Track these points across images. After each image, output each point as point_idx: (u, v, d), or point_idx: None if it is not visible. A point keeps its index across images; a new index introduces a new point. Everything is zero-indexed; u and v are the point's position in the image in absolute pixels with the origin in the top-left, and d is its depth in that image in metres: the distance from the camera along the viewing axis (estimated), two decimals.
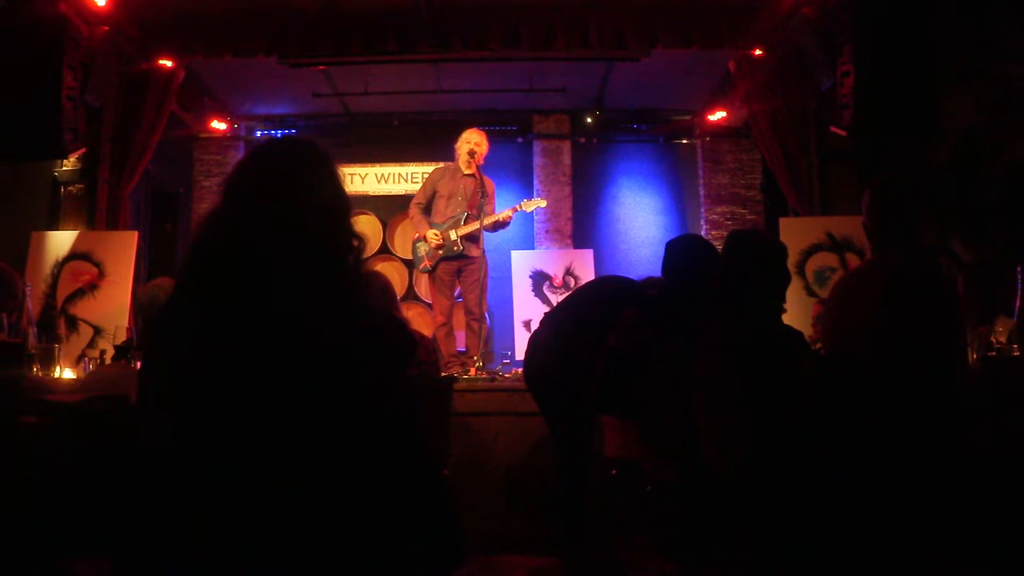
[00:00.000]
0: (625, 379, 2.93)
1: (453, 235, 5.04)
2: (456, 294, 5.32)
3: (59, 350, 3.64)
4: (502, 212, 5.10)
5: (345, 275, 1.42)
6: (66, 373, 3.63)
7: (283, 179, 1.43)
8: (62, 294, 4.96)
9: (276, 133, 7.19)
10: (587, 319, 3.17)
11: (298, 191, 1.41)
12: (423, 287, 6.74)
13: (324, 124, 7.22)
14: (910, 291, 2.32)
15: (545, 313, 3.59)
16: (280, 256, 1.35)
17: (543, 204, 5.53)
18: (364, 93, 6.45)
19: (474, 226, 4.96)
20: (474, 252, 4.97)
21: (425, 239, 5.11)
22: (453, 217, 5.09)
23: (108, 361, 3.72)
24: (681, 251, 3.16)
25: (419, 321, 6.40)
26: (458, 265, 5.12)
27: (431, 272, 5.19)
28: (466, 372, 4.82)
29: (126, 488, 1.33)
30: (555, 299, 5.89)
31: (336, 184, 1.48)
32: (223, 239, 1.39)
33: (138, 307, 3.55)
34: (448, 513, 1.45)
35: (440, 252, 5.07)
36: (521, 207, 5.22)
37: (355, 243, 1.44)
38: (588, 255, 6.19)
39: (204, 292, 1.36)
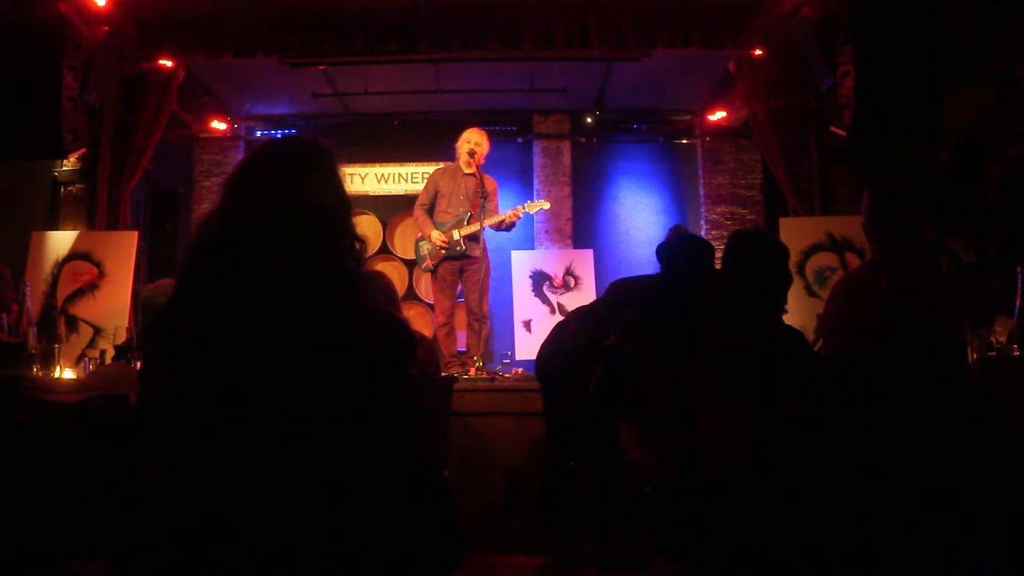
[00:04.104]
0: (625, 379, 2.94)
1: (456, 235, 5.05)
2: (458, 293, 5.33)
3: (59, 350, 3.63)
4: (505, 213, 5.09)
5: (346, 275, 1.42)
6: (66, 373, 3.62)
7: (284, 179, 1.43)
8: (62, 294, 4.95)
9: (276, 133, 7.20)
10: (598, 322, 3.19)
11: (299, 191, 1.41)
12: (423, 287, 6.74)
13: (324, 124, 7.23)
14: (910, 291, 2.31)
15: (579, 307, 3.62)
16: (280, 256, 1.35)
17: (546, 206, 5.53)
18: (364, 93, 6.46)
19: (476, 226, 4.96)
20: (476, 252, 4.97)
21: (429, 239, 5.11)
22: (456, 217, 5.09)
23: (108, 361, 3.72)
24: (676, 249, 3.17)
25: (419, 321, 6.41)
26: (460, 265, 5.12)
27: (433, 271, 5.19)
28: (466, 372, 4.82)
29: (126, 488, 1.33)
30: (555, 299, 5.90)
31: (337, 184, 1.48)
32: (223, 239, 1.39)
33: (141, 307, 3.55)
34: (448, 513, 1.45)
35: (443, 252, 5.08)
36: (525, 208, 5.21)
37: (356, 244, 1.44)
38: (588, 255, 6.19)
39: (204, 292, 1.36)
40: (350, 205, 1.49)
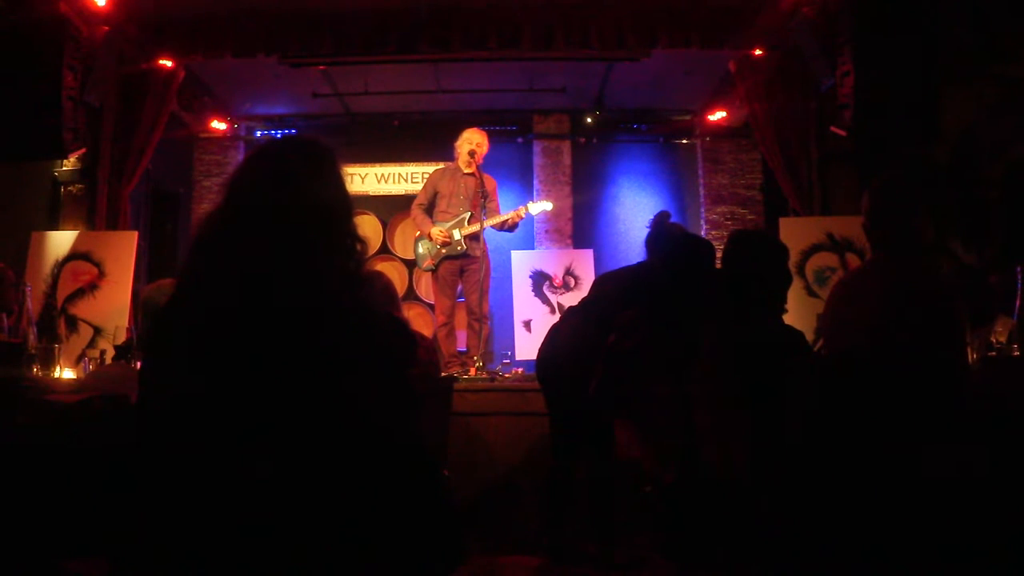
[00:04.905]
0: (625, 379, 2.93)
1: (457, 234, 5.05)
2: (458, 293, 5.33)
3: (59, 350, 3.63)
4: (508, 214, 5.10)
5: (346, 275, 1.41)
6: (66, 373, 3.62)
7: (284, 179, 1.42)
8: (62, 294, 4.96)
9: (276, 133, 7.20)
10: (594, 321, 3.17)
11: (299, 192, 1.41)
12: (423, 287, 6.75)
13: (324, 124, 7.22)
14: (910, 292, 2.31)
15: (570, 307, 3.60)
16: (280, 256, 1.34)
17: (549, 207, 5.53)
18: (364, 93, 6.46)
19: (477, 226, 4.97)
20: (477, 251, 4.98)
21: (429, 237, 5.12)
22: (457, 217, 5.10)
23: (108, 361, 3.72)
24: (661, 239, 3.16)
25: (419, 321, 6.41)
26: (461, 264, 5.12)
27: (434, 271, 5.19)
28: (466, 372, 4.82)
29: (126, 488, 1.33)
30: (555, 299, 5.90)
31: (338, 185, 1.48)
32: (223, 239, 1.39)
33: (141, 307, 3.56)
34: (448, 513, 1.45)
35: (444, 251, 5.08)
36: (527, 209, 5.23)
37: (357, 246, 1.44)
38: (588, 255, 6.19)
39: (204, 292, 1.36)
40: (351, 205, 1.49)
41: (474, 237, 5.01)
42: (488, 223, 5.00)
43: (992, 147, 4.61)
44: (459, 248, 5.06)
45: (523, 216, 5.15)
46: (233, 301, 1.32)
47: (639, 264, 3.24)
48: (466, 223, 5.06)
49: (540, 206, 5.37)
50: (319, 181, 1.45)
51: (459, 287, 5.25)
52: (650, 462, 2.86)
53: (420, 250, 5.25)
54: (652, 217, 3.27)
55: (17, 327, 3.68)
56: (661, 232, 3.19)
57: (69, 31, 4.60)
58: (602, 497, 3.17)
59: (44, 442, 2.34)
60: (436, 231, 5.07)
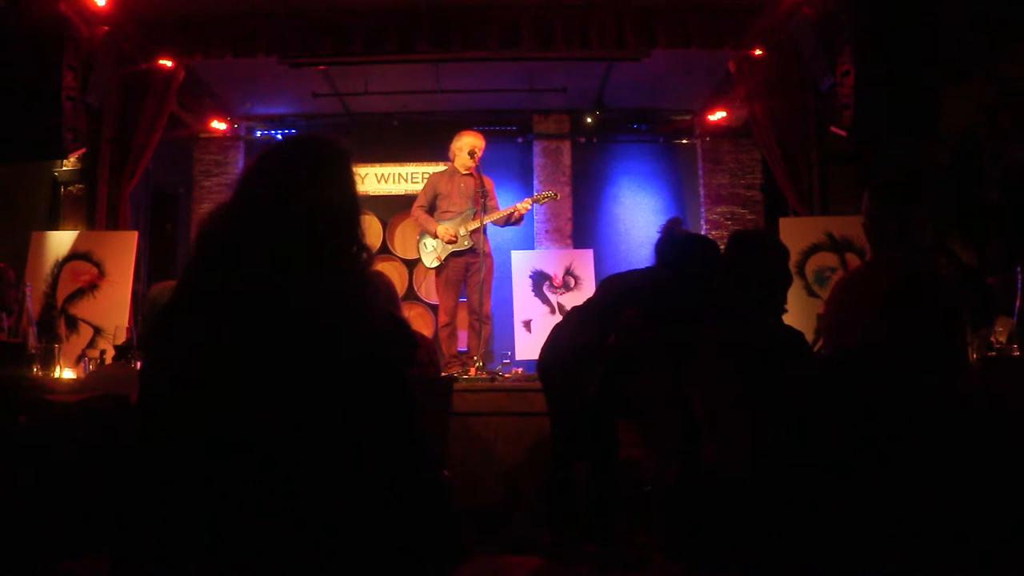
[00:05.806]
0: (625, 379, 2.93)
1: (463, 231, 5.08)
2: (461, 292, 5.33)
3: (59, 350, 3.62)
4: (515, 206, 5.13)
5: (349, 276, 1.41)
6: (66, 373, 3.62)
7: (292, 179, 1.42)
8: (62, 294, 4.96)
9: (276, 133, 7.20)
10: (596, 322, 3.17)
11: (306, 192, 1.40)
12: (424, 287, 6.75)
13: (324, 124, 7.23)
14: (910, 292, 2.32)
15: (573, 307, 3.59)
16: (283, 256, 1.34)
17: (556, 196, 5.56)
18: (364, 93, 6.46)
19: (479, 222, 4.99)
20: (482, 247, 5.01)
21: (434, 235, 5.13)
22: (461, 214, 5.12)
23: (108, 361, 3.72)
24: (671, 245, 3.16)
25: (419, 321, 6.41)
26: (467, 261, 5.13)
27: (440, 269, 5.19)
28: (466, 372, 4.82)
29: (126, 488, 1.33)
30: (555, 299, 5.90)
31: (347, 186, 1.47)
32: (227, 236, 1.39)
33: (146, 308, 3.55)
34: (448, 513, 1.45)
35: (451, 247, 5.09)
36: (534, 200, 5.31)
37: (363, 250, 1.43)
38: (588, 255, 6.19)
39: (206, 292, 1.36)
40: (359, 207, 1.47)
41: (478, 232, 5.04)
42: (494, 216, 5.03)
43: (992, 147, 4.61)
44: (466, 243, 5.08)
45: (529, 207, 5.19)
46: (234, 300, 1.32)
47: (647, 269, 3.24)
48: (471, 219, 5.08)
49: (546, 195, 5.42)
50: (327, 182, 1.44)
51: (463, 285, 5.26)
52: (650, 462, 2.86)
53: (427, 248, 5.26)
54: (664, 223, 3.27)
55: (17, 327, 3.68)
56: (671, 238, 3.19)
57: (69, 31, 4.61)
58: (602, 497, 3.17)
59: (44, 442, 2.34)
60: (442, 228, 5.09)
